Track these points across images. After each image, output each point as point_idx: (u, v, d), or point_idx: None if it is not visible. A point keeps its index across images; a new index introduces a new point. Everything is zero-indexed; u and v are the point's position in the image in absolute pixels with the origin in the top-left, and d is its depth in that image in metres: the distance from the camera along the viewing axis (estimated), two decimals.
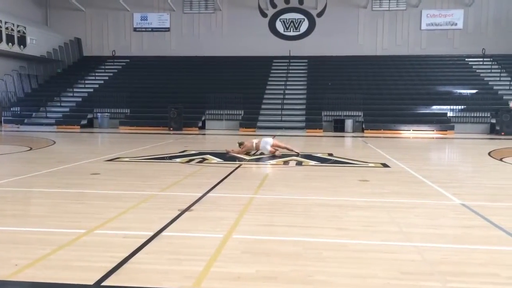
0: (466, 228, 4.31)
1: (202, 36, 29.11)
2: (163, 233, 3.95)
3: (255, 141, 10.39)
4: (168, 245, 3.65)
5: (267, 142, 10.23)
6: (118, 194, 5.75)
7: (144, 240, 3.72)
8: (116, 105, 23.20)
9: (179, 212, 4.68)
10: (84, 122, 22.48)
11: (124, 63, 28.85)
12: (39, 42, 26.70)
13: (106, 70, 28.12)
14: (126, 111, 23.19)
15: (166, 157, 9.88)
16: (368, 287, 2.86)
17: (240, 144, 10.42)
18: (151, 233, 3.90)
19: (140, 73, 26.82)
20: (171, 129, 20.53)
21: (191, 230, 4.10)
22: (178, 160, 9.38)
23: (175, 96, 23.13)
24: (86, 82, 26.73)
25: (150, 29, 29.62)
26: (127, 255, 3.35)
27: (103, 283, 2.86)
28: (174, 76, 26.13)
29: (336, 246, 3.73)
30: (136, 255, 3.38)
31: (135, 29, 29.76)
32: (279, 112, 22.42)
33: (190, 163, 8.92)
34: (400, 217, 4.66)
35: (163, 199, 5.49)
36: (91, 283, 2.86)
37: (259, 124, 21.38)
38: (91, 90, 25.66)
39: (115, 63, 28.85)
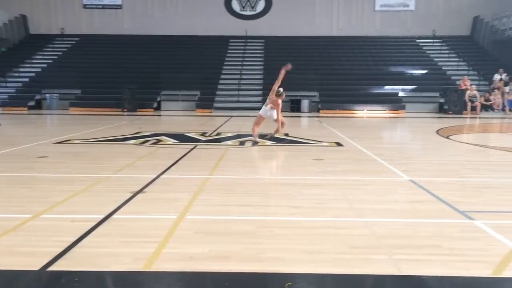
0: (413, 203, 4.48)
1: (156, 15, 28.26)
2: (114, 216, 3.86)
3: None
4: (119, 227, 3.57)
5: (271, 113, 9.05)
6: (67, 177, 5.55)
7: (93, 223, 3.62)
8: (66, 86, 22.22)
9: (131, 194, 4.58)
10: (31, 103, 21.46)
11: (74, 42, 27.62)
12: None
13: (55, 49, 26.84)
14: (77, 92, 22.33)
15: (119, 138, 9.62)
16: (318, 262, 2.92)
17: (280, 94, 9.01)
18: (102, 216, 3.80)
19: (92, 52, 25.78)
20: (125, 110, 19.98)
21: (143, 212, 4.03)
22: (131, 141, 9.16)
23: (129, 77, 22.46)
24: (33, 61, 25.44)
25: (101, 6, 28.39)
26: (75, 239, 3.25)
27: (49, 268, 2.77)
28: (127, 56, 25.31)
29: (289, 223, 3.78)
30: (85, 238, 3.29)
31: (84, 6, 28.45)
32: (236, 93, 22.30)
33: (144, 144, 8.74)
34: (351, 194, 4.78)
35: (115, 182, 5.36)
36: (37, 268, 2.76)
37: (215, 105, 21.20)
38: (39, 70, 24.48)
39: (64, 42, 27.57)
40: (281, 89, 9.03)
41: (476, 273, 2.78)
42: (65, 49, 26.91)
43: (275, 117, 9.03)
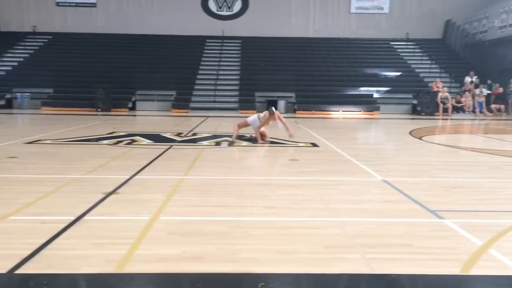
0: (386, 203, 4.55)
1: (131, 13, 27.88)
2: (85, 218, 3.78)
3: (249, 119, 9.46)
4: (90, 229, 3.50)
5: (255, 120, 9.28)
6: (37, 178, 5.41)
7: (64, 225, 3.54)
8: (38, 85, 21.69)
9: (104, 195, 4.50)
10: (1, 102, 20.86)
11: (46, 40, 26.99)
12: None
13: (26, 47, 26.16)
14: (49, 91, 21.83)
15: (92, 139, 9.45)
16: (292, 262, 2.93)
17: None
18: (72, 218, 3.72)
19: (65, 50, 25.25)
20: (99, 110, 19.63)
21: (116, 214, 3.96)
22: (105, 142, 9.01)
23: (103, 76, 22.08)
24: (4, 59, 24.73)
25: (74, 4, 27.84)
26: (44, 241, 3.17)
27: (17, 271, 2.70)
28: (102, 55, 24.89)
29: (264, 224, 3.79)
30: (55, 240, 3.21)
31: (57, 4, 27.82)
32: (213, 93, 22.21)
33: (118, 145, 8.61)
34: (326, 194, 4.81)
35: (87, 183, 5.26)
36: (4, 271, 2.69)
37: (191, 105, 21.05)
38: (10, 68, 23.82)
39: (36, 40, 26.92)
40: (273, 108, 9.48)
41: (446, 271, 2.85)
42: (37, 47, 26.28)
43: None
